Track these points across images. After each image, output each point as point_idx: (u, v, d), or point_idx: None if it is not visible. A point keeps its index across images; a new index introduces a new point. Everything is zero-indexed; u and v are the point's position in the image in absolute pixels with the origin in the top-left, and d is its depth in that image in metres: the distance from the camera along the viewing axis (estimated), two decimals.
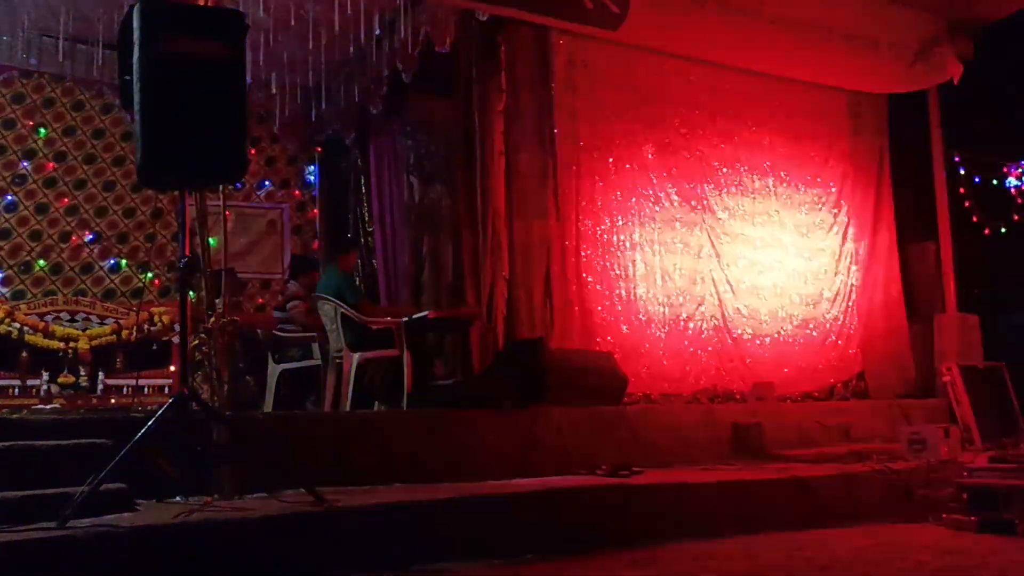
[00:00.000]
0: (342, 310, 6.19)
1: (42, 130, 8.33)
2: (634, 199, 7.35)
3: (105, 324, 7.65)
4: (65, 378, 7.21)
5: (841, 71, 8.22)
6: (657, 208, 7.46)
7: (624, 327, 7.08)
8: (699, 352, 7.42)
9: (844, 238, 8.52)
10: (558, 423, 5.45)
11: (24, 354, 7.22)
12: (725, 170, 7.87)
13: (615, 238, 7.20)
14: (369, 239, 8.90)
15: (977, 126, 8.85)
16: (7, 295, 7.85)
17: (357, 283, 8.32)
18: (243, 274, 8.61)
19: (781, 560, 3.67)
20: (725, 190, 7.84)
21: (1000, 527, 4.28)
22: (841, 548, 3.92)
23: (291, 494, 3.88)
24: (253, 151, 9.14)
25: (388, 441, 4.82)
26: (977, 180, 9.02)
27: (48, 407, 6.71)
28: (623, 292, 7.14)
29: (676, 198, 7.56)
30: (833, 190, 8.52)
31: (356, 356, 6.14)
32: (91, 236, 8.36)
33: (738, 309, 7.70)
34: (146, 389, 7.41)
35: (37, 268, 8.10)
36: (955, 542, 4.10)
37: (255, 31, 6.89)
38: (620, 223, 7.24)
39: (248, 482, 4.01)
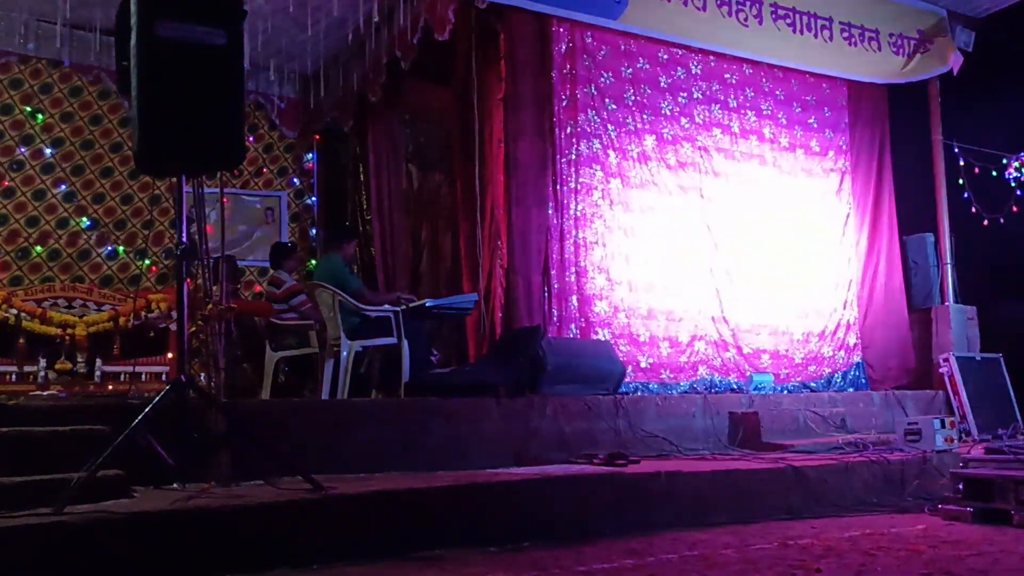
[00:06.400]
0: (340, 298, 6.19)
1: (40, 116, 8.31)
2: (633, 188, 7.34)
3: (102, 311, 7.64)
4: (62, 364, 7.20)
5: (841, 61, 8.22)
6: (656, 198, 7.44)
7: (622, 316, 7.08)
8: (696, 341, 7.43)
9: (844, 228, 8.51)
10: (555, 412, 5.47)
11: (21, 340, 7.21)
12: (724, 160, 7.86)
13: (614, 227, 7.19)
14: (367, 227, 8.89)
15: (976, 117, 8.84)
16: (4, 281, 7.85)
17: (355, 271, 8.33)
18: (241, 261, 8.61)
19: (776, 549, 3.68)
20: (724, 180, 7.82)
21: (995, 517, 4.30)
22: (836, 538, 3.93)
23: (288, 481, 3.89)
24: (251, 138, 9.13)
25: (385, 429, 4.82)
26: (976, 171, 9.01)
27: (45, 393, 6.71)
28: (621, 281, 7.13)
29: (675, 188, 7.55)
30: (833, 180, 8.51)
31: (353, 344, 6.15)
32: (89, 223, 8.36)
33: (736, 299, 7.69)
34: (143, 376, 7.40)
35: (34, 254, 8.09)
36: (950, 532, 4.11)
37: (253, 17, 6.88)
38: (619, 212, 7.23)
39: (245, 469, 4.02)
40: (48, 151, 8.30)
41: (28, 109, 8.27)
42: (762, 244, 7.94)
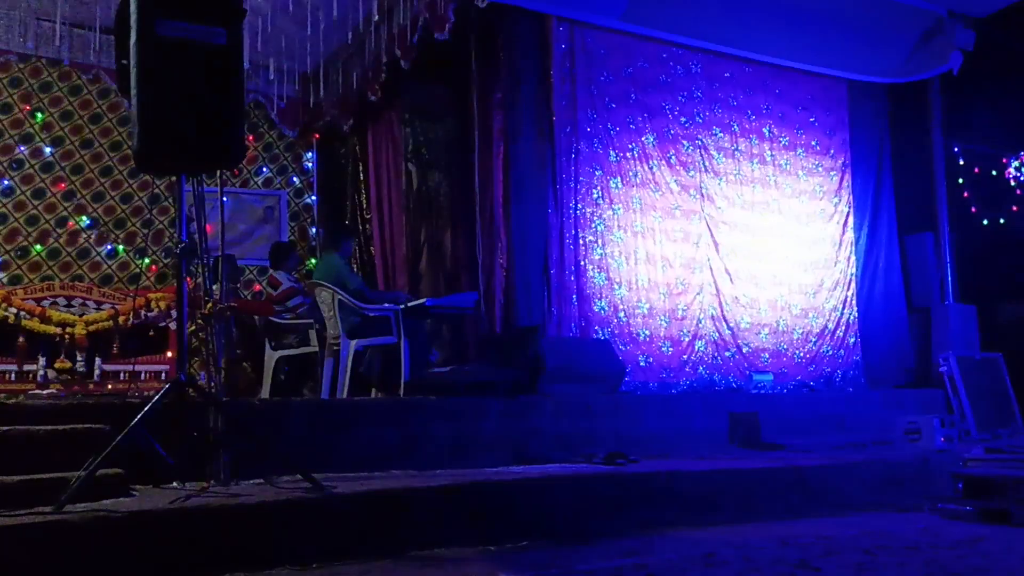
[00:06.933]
0: (340, 297, 6.19)
1: (39, 115, 8.31)
2: (633, 187, 7.34)
3: (102, 309, 7.65)
4: (62, 363, 7.20)
5: (841, 60, 8.21)
6: (656, 196, 7.45)
7: (622, 315, 7.08)
8: (696, 341, 7.43)
9: (844, 227, 8.52)
10: (555, 411, 5.47)
11: (21, 339, 7.22)
12: (724, 159, 7.87)
13: (613, 226, 7.19)
14: (367, 226, 8.89)
15: (976, 117, 8.84)
16: (4, 280, 7.84)
17: (355, 270, 8.33)
18: (241, 260, 8.60)
19: (776, 549, 3.68)
20: (724, 179, 7.83)
21: (995, 516, 4.30)
22: (836, 537, 3.92)
23: (287, 480, 3.89)
24: (251, 137, 9.12)
25: (385, 428, 4.82)
26: (976, 171, 9.01)
27: (45, 392, 6.71)
28: (621, 280, 7.13)
29: (675, 187, 7.55)
30: (833, 179, 8.51)
31: (353, 343, 6.14)
32: (88, 221, 8.35)
33: (736, 298, 7.70)
34: (143, 375, 7.41)
35: (34, 253, 8.08)
36: (950, 531, 4.11)
37: (253, 16, 6.88)
38: (618, 211, 7.23)
39: (245, 468, 4.01)
40: (47, 150, 8.29)
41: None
42: (762, 243, 7.94)
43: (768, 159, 8.12)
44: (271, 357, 6.86)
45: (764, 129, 8.13)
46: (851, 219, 8.56)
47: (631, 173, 7.36)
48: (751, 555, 3.53)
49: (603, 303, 7.03)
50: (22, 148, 8.20)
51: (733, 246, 7.77)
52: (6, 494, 3.20)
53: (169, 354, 7.46)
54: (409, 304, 6.34)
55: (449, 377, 6.24)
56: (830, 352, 8.20)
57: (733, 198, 7.86)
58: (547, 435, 5.37)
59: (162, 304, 7.68)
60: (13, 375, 7.13)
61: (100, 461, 3.27)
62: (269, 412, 4.76)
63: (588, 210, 7.10)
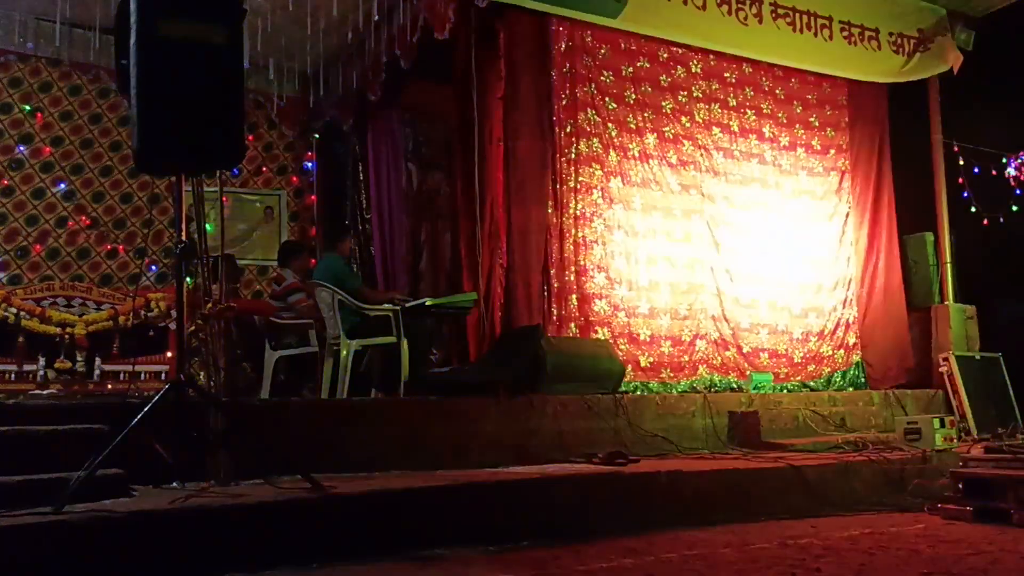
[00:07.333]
0: (339, 297, 6.19)
1: (39, 114, 8.30)
2: (633, 187, 7.34)
3: (102, 310, 7.64)
4: (62, 363, 7.20)
5: (841, 60, 8.21)
6: (656, 196, 7.44)
7: (622, 315, 7.08)
8: (697, 341, 7.42)
9: (844, 227, 8.51)
10: (555, 411, 5.47)
11: (21, 339, 7.21)
12: (724, 159, 7.86)
13: (614, 226, 7.19)
14: (367, 226, 8.89)
15: (976, 116, 8.84)
16: (3, 280, 7.84)
17: (355, 269, 8.33)
18: (240, 260, 8.60)
19: (776, 549, 3.68)
20: (724, 179, 7.82)
21: (995, 516, 4.30)
22: (836, 537, 3.93)
23: (287, 480, 3.89)
24: (251, 137, 9.12)
25: (385, 428, 4.82)
26: (976, 170, 9.02)
27: (45, 392, 6.71)
28: (621, 280, 7.13)
29: (675, 187, 7.55)
30: (833, 179, 8.51)
31: (353, 343, 6.14)
32: (88, 221, 8.35)
33: (736, 298, 7.69)
34: (143, 375, 7.40)
35: (34, 253, 8.08)
36: (949, 531, 4.11)
37: (253, 16, 6.88)
38: (619, 211, 7.23)
39: (244, 468, 4.02)
40: (47, 150, 8.29)
41: (27, 108, 8.27)
42: (762, 243, 7.94)
43: (768, 159, 8.12)
44: (271, 357, 6.86)
45: (764, 129, 8.13)
46: (851, 219, 8.56)
47: (631, 173, 7.35)
48: (751, 555, 3.53)
49: (603, 303, 7.03)
50: (22, 148, 8.20)
51: (733, 246, 7.76)
52: (6, 494, 3.19)
53: (169, 354, 7.45)
54: (409, 304, 6.34)
55: (449, 377, 6.24)
56: (830, 352, 8.20)
57: (733, 198, 7.85)
58: (547, 435, 5.37)
59: (162, 304, 7.68)
60: (13, 375, 7.12)
61: (100, 461, 3.27)
62: (269, 412, 4.76)
63: (588, 210, 7.09)
